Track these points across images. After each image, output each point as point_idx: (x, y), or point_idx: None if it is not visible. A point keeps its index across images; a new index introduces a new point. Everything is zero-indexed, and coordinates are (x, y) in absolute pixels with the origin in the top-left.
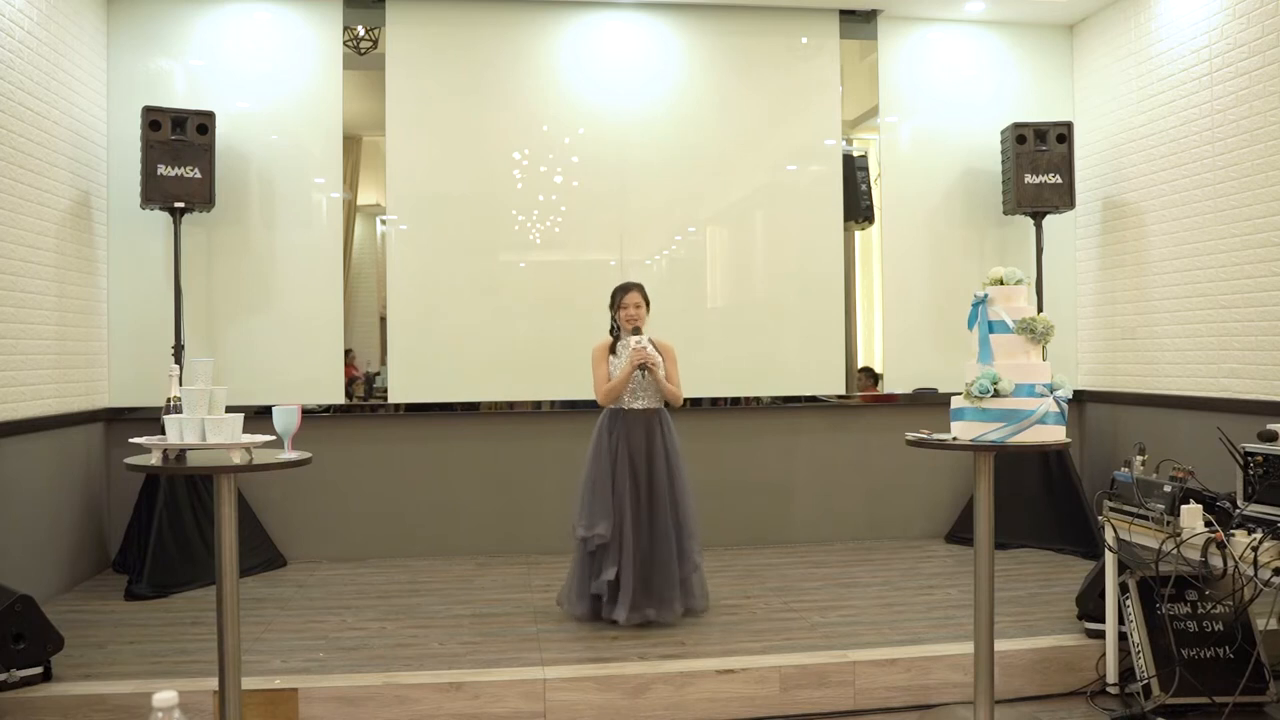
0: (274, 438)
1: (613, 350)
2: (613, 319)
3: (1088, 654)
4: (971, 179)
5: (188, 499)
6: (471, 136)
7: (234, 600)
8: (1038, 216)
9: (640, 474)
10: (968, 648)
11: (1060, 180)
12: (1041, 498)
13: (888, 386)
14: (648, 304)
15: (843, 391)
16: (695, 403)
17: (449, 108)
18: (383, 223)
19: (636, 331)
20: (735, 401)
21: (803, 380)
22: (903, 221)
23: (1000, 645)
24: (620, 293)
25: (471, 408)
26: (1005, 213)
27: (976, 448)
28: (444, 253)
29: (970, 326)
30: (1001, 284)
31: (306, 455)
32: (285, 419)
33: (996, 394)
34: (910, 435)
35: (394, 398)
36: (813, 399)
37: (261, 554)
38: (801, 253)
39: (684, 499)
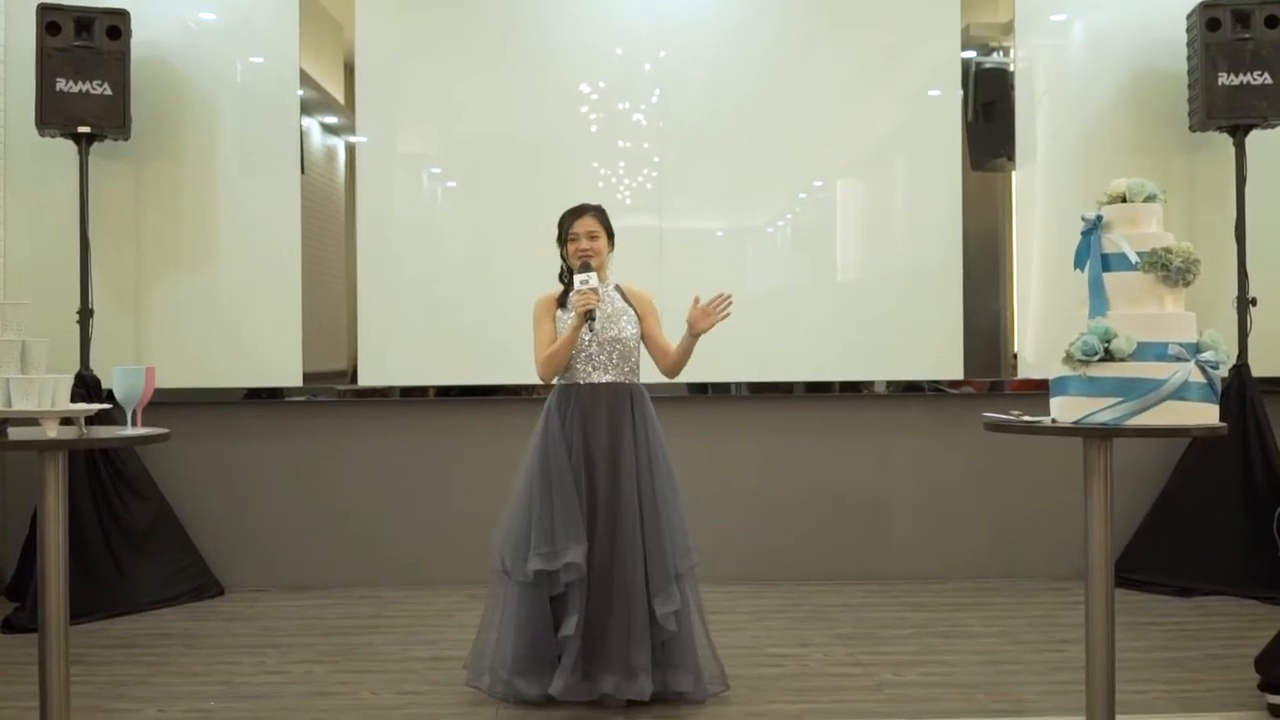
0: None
1: (562, 303)
2: (562, 260)
3: None
4: (1146, 84)
5: (93, 511)
6: (530, 65)
7: (59, 631)
8: (1238, 131)
9: (599, 478)
10: None
11: (1269, 80)
12: (1243, 524)
13: (1029, 370)
14: (610, 235)
15: (983, 377)
16: (784, 389)
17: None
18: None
19: (585, 268)
20: (853, 387)
21: (921, 363)
22: (1047, 152)
23: None
24: (570, 218)
25: (475, 392)
26: (1192, 128)
27: (1081, 432)
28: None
29: (1079, 265)
30: (1124, 201)
31: (159, 431)
32: (128, 382)
33: (1109, 356)
34: (989, 416)
35: (373, 380)
36: (935, 387)
37: (190, 580)
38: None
39: (663, 516)
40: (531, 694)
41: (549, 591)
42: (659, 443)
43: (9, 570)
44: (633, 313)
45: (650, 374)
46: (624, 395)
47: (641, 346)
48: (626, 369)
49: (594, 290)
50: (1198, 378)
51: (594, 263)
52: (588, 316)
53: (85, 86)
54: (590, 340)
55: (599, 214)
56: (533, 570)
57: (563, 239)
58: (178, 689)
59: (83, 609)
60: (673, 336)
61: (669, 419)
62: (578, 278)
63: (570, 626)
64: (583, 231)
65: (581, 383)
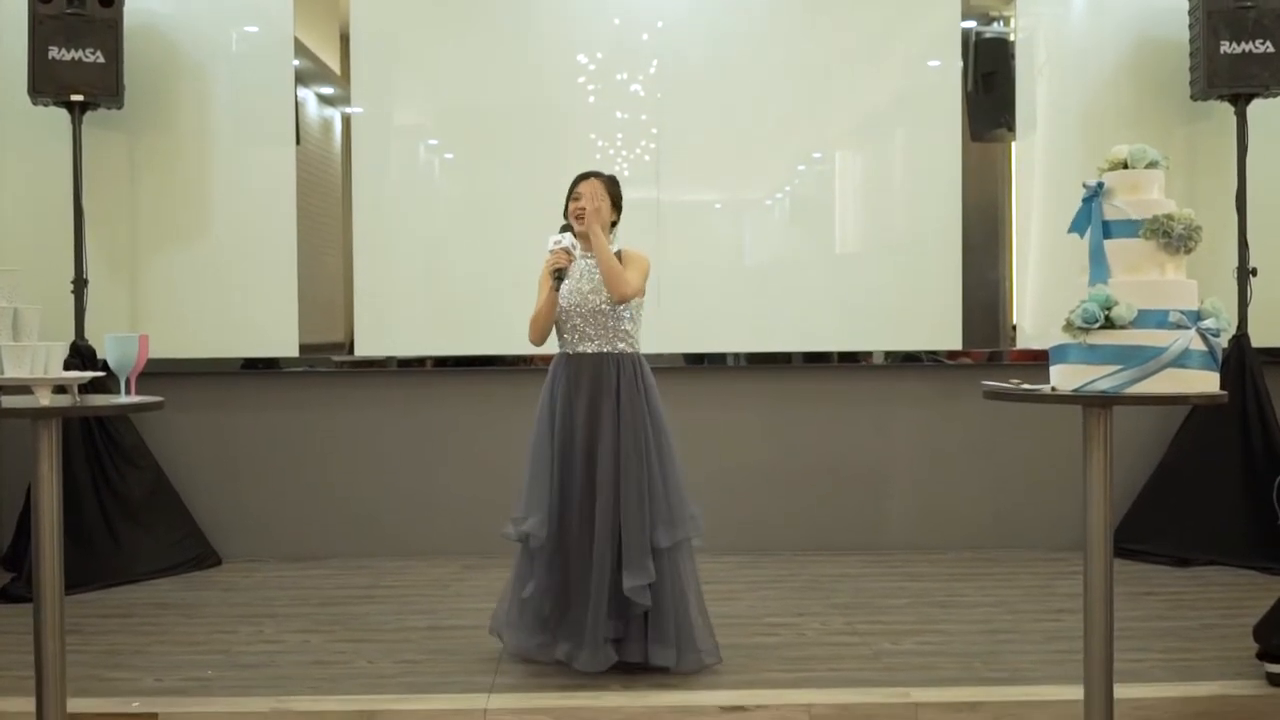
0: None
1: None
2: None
3: (1266, 708)
4: (1147, 53)
5: (90, 481)
6: (527, 36)
7: (54, 601)
8: (1239, 100)
9: (577, 449)
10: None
11: (1272, 48)
12: (1242, 494)
13: (1028, 341)
14: (616, 204)
15: (982, 347)
16: (782, 359)
17: None
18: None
19: (565, 229)
20: (851, 358)
21: (920, 334)
22: (1047, 122)
23: (1134, 691)
24: (577, 180)
25: (473, 363)
26: (1194, 97)
27: (1080, 400)
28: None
29: (1077, 230)
30: (1125, 168)
31: (153, 399)
32: (120, 350)
33: (1110, 324)
34: (988, 384)
35: (371, 351)
36: (934, 358)
37: (187, 550)
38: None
39: (645, 488)
40: (525, 647)
41: (531, 553)
42: (646, 413)
43: (5, 541)
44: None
45: (649, 345)
46: (609, 365)
47: (639, 316)
48: (613, 337)
49: (565, 250)
50: (1198, 345)
51: (580, 227)
52: (555, 276)
53: (78, 54)
54: (573, 309)
55: (606, 181)
56: (505, 534)
57: (569, 200)
58: (175, 658)
59: (79, 579)
60: (673, 309)
61: (665, 389)
62: (552, 238)
63: (528, 590)
64: (585, 192)
65: (570, 353)
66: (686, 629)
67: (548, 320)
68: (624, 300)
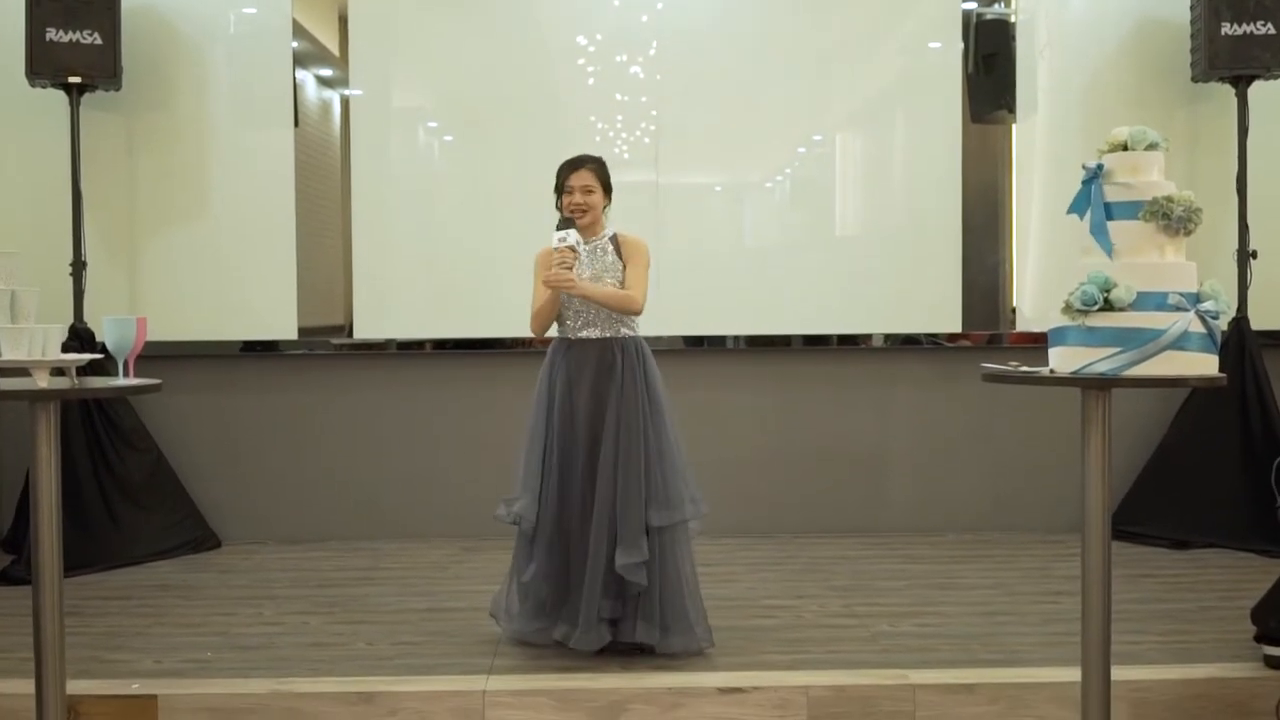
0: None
1: None
2: (559, 210)
3: (1263, 690)
4: (1148, 34)
5: (90, 465)
6: (527, 17)
7: (53, 583)
8: (1240, 82)
9: (579, 434)
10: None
11: (1273, 30)
12: (1240, 477)
13: (1027, 324)
14: (607, 189)
15: (981, 330)
16: (782, 341)
17: None
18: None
19: (566, 224)
20: (850, 340)
21: (919, 317)
22: (1048, 104)
23: (1133, 674)
24: (567, 169)
25: (472, 345)
26: (1194, 79)
27: (1079, 383)
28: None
29: (1077, 211)
30: (1125, 150)
31: (151, 381)
32: (119, 332)
33: (1109, 306)
34: (987, 366)
35: (370, 334)
36: (933, 340)
37: (186, 533)
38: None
39: (637, 468)
40: (524, 631)
41: (527, 537)
42: (646, 396)
43: (5, 523)
44: (621, 266)
45: (648, 328)
46: (613, 351)
47: None
48: (616, 323)
49: (570, 248)
50: (1198, 328)
51: (587, 220)
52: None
53: (75, 36)
54: (574, 297)
55: (596, 167)
56: (497, 517)
57: (559, 189)
58: (174, 640)
59: (79, 561)
60: (673, 292)
61: (664, 372)
62: (556, 235)
63: (528, 574)
64: (577, 185)
65: (572, 338)
66: (678, 610)
67: (551, 313)
68: (639, 314)
